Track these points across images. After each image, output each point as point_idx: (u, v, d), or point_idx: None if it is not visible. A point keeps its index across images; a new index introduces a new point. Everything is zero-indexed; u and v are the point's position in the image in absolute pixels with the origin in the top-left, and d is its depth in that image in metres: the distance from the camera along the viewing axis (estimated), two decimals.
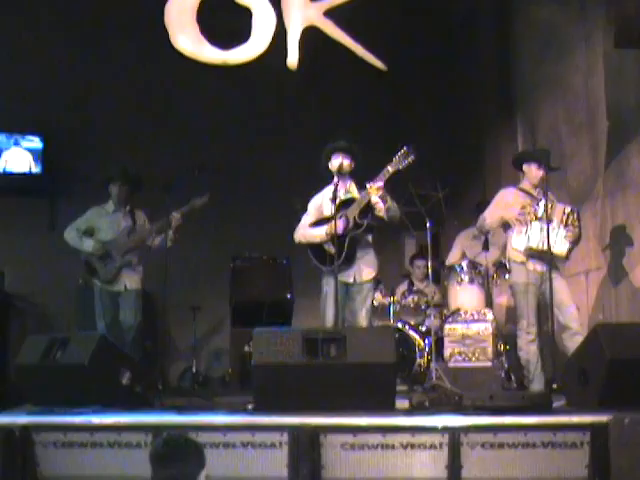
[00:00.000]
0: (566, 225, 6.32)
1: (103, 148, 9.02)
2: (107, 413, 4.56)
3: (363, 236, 6.29)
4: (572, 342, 6.02)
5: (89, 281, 7.24)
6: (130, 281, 7.09)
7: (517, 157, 6.83)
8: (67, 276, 8.14)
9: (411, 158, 6.13)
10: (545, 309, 6.38)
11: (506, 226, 6.61)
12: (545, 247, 6.18)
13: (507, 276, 7.19)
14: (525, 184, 6.54)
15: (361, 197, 6.23)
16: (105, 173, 7.34)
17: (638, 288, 6.99)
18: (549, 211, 6.26)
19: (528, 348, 6.35)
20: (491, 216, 6.66)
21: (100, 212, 7.24)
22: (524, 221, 6.35)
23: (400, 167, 6.14)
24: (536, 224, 6.26)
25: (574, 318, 6.27)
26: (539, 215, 6.27)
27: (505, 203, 6.57)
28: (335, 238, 6.07)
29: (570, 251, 6.39)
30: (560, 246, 6.30)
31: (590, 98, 7.83)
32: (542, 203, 6.28)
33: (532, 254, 6.30)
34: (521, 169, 6.62)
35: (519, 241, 6.39)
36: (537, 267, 6.32)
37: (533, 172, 6.50)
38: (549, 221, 6.22)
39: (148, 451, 4.22)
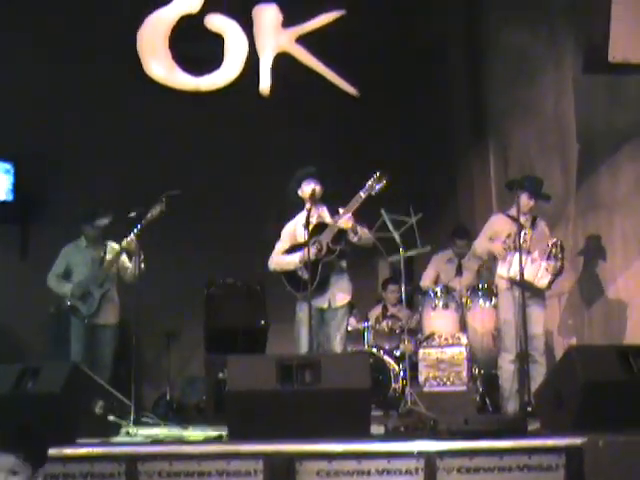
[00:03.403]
0: (548, 258, 6.45)
1: (75, 175, 8.97)
2: (80, 443, 4.51)
3: (337, 261, 6.29)
4: (533, 368, 6.33)
5: (63, 311, 7.21)
6: (108, 315, 7.10)
7: (509, 182, 6.86)
8: (38, 304, 8.06)
9: (383, 183, 6.15)
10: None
11: (492, 256, 6.82)
12: (526, 278, 6.31)
13: (480, 301, 7.23)
14: (514, 210, 6.58)
15: (334, 223, 6.23)
16: (80, 210, 7.33)
17: (611, 309, 7.04)
18: (530, 242, 6.40)
19: (507, 367, 6.54)
20: (480, 247, 6.88)
21: (73, 250, 7.28)
22: (509, 250, 6.51)
23: (372, 192, 6.17)
24: (517, 255, 6.36)
25: (537, 347, 6.50)
26: (519, 245, 6.37)
27: (493, 232, 6.76)
28: (309, 264, 6.07)
29: (551, 283, 6.54)
30: (542, 279, 6.47)
31: (561, 121, 7.92)
32: (522, 233, 6.43)
33: (515, 282, 6.44)
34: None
35: (504, 269, 6.58)
36: (519, 294, 6.42)
37: (524, 200, 6.59)
38: (528, 252, 6.39)
39: None
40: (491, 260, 7.25)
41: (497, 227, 6.77)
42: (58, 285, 7.18)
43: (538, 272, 6.44)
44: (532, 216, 6.71)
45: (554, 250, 6.46)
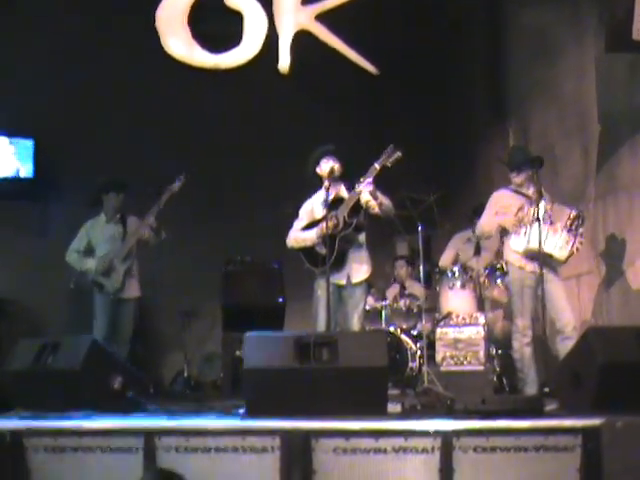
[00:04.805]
0: (569, 230, 6.25)
1: (94, 153, 8.98)
2: (98, 417, 4.55)
3: (354, 236, 6.29)
4: (563, 346, 6.05)
5: (83, 287, 7.25)
6: (132, 289, 7.16)
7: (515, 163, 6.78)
8: (58, 280, 8.10)
9: (398, 155, 6.13)
10: (539, 311, 6.35)
11: (503, 231, 6.60)
12: (546, 249, 6.16)
13: (499, 280, 7.21)
14: (518, 185, 6.52)
15: (350, 196, 6.23)
16: (96, 182, 7.37)
17: (630, 291, 7.00)
18: (551, 213, 6.23)
19: (523, 350, 6.35)
20: (488, 223, 6.63)
21: (94, 226, 7.30)
22: (522, 223, 6.30)
23: (387, 164, 6.15)
24: (536, 226, 6.16)
25: (568, 322, 6.25)
26: (540, 216, 6.19)
27: (501, 206, 6.52)
28: (327, 239, 6.07)
29: (570, 256, 6.34)
30: (561, 251, 6.25)
31: (581, 102, 7.86)
32: (542, 204, 6.25)
33: (531, 255, 6.25)
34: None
35: (518, 243, 6.36)
36: (535, 269, 6.26)
37: (513, 178, 6.53)
38: (551, 223, 6.20)
39: (140, 455, 4.25)
40: (497, 236, 7.18)
41: (504, 202, 6.52)
42: (80, 261, 7.21)
43: (558, 243, 6.22)
44: (538, 188, 6.40)
45: (576, 222, 6.26)
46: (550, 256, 6.24)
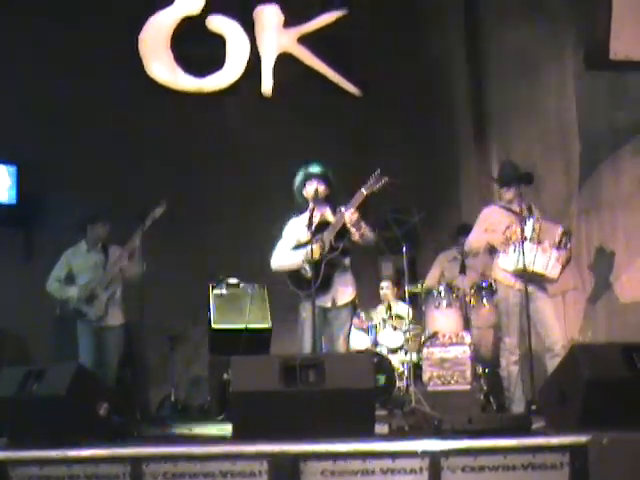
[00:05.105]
0: (559, 247, 6.23)
1: (78, 178, 8.97)
2: (84, 445, 4.51)
3: (340, 259, 6.29)
4: (552, 364, 6.01)
5: (67, 314, 7.20)
6: (115, 317, 7.11)
7: (500, 179, 6.79)
8: (43, 307, 8.06)
9: (385, 180, 6.13)
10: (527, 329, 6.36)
11: (492, 248, 6.58)
12: (537, 269, 6.16)
13: (484, 299, 7.22)
14: (508, 202, 6.49)
15: (336, 220, 6.23)
16: (84, 212, 7.35)
17: (615, 306, 7.03)
18: (539, 231, 6.21)
19: (510, 368, 6.34)
20: (477, 240, 6.60)
21: (75, 254, 7.26)
22: (510, 242, 6.27)
23: (374, 189, 6.15)
24: (527, 245, 6.14)
25: (557, 340, 6.24)
26: (528, 235, 6.19)
27: (490, 223, 6.49)
28: (312, 262, 6.07)
29: (561, 273, 6.32)
30: (553, 269, 6.22)
31: (562, 120, 7.93)
32: (530, 222, 6.24)
33: (521, 274, 6.17)
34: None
35: (506, 261, 6.33)
36: (523, 287, 6.22)
37: (502, 194, 6.51)
38: (539, 242, 6.19)
39: None
40: (483, 255, 7.19)
41: (493, 219, 6.48)
42: (61, 289, 7.16)
43: (549, 262, 6.19)
44: (527, 204, 6.43)
45: (564, 239, 6.22)
46: (542, 275, 6.22)
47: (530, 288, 6.16)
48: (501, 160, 7.05)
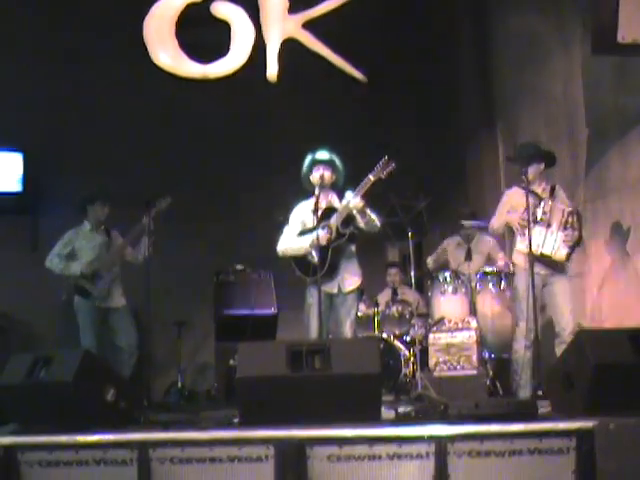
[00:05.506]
0: (565, 228, 6.23)
1: (84, 166, 8.98)
2: (92, 431, 4.53)
3: (346, 245, 6.30)
4: (559, 350, 6.03)
5: (78, 298, 7.21)
6: (117, 298, 7.15)
7: (510, 157, 6.75)
8: (50, 294, 8.08)
9: (392, 166, 6.13)
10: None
11: (510, 230, 6.58)
12: (545, 251, 6.16)
13: (490, 284, 7.22)
14: (527, 182, 6.40)
15: (343, 207, 6.23)
16: (83, 193, 7.36)
17: (619, 293, 7.02)
18: (548, 213, 6.22)
19: (523, 353, 6.34)
20: (497, 220, 6.66)
21: (78, 234, 7.28)
22: (525, 223, 6.23)
23: (381, 176, 6.14)
24: (536, 228, 6.18)
25: (565, 327, 6.24)
26: (538, 218, 6.21)
27: (511, 205, 6.48)
28: (318, 249, 6.07)
29: (570, 254, 6.31)
30: (559, 251, 6.24)
31: (569, 105, 7.89)
32: (542, 205, 6.24)
33: (535, 258, 6.20)
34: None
35: (522, 244, 6.34)
36: (540, 271, 6.27)
37: (531, 170, 6.40)
38: (548, 225, 6.20)
39: (134, 468, 4.24)
40: (484, 242, 7.21)
41: (514, 201, 6.47)
42: (64, 265, 7.14)
43: (554, 244, 6.21)
44: (550, 185, 6.44)
45: (570, 219, 6.22)
46: (549, 257, 6.23)
47: (546, 271, 6.21)
48: (521, 142, 6.95)
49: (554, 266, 6.30)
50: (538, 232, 6.18)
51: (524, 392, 6.30)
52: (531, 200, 6.31)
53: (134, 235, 7.11)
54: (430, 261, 8.16)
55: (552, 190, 6.47)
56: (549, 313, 6.27)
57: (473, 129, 9.95)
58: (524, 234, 6.26)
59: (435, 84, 9.59)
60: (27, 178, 9.20)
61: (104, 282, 7.07)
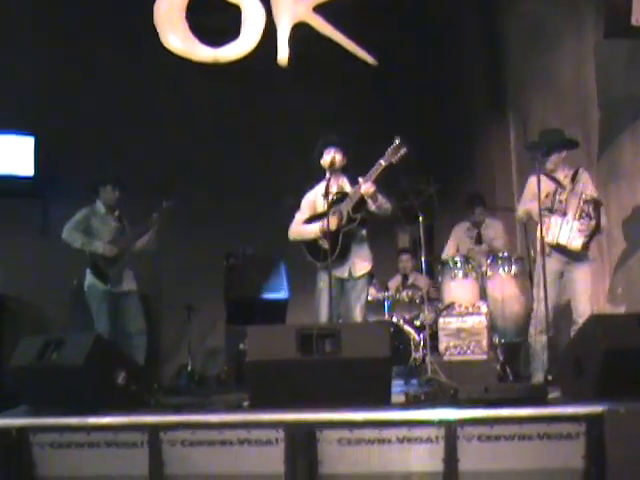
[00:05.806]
0: (581, 217, 6.18)
1: (95, 151, 8.98)
2: (103, 413, 4.56)
3: (357, 230, 6.29)
4: None
5: (90, 283, 7.23)
6: (130, 282, 7.17)
7: (530, 145, 6.72)
8: (60, 277, 8.12)
9: (404, 151, 6.09)
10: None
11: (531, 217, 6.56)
12: (560, 241, 6.16)
13: (500, 269, 7.20)
14: (549, 170, 6.40)
15: (354, 192, 6.22)
16: (95, 176, 7.38)
17: (632, 278, 7.00)
18: (564, 202, 6.19)
19: (539, 338, 6.32)
20: (521, 208, 6.64)
21: (94, 212, 7.27)
22: (547, 212, 6.22)
23: (393, 160, 6.11)
24: (553, 218, 6.19)
25: (582, 314, 6.16)
26: (554, 207, 6.19)
27: (533, 193, 6.38)
28: (329, 233, 6.07)
29: (586, 243, 6.23)
30: (575, 240, 6.19)
31: (581, 89, 7.85)
32: (558, 193, 6.22)
33: (555, 246, 6.22)
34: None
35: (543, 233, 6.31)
36: (561, 258, 6.27)
37: (552, 159, 6.38)
38: (564, 214, 6.18)
39: (145, 450, 4.26)
40: (493, 226, 7.20)
41: (537, 187, 6.27)
42: (86, 241, 7.12)
43: (569, 234, 6.16)
44: (573, 170, 6.39)
45: (586, 208, 6.16)
46: (565, 247, 6.22)
47: (566, 258, 6.21)
48: (542, 129, 6.92)
49: (574, 254, 6.27)
50: (554, 221, 6.16)
51: (540, 376, 6.28)
52: (553, 187, 6.29)
53: (140, 230, 7.17)
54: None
55: (574, 175, 6.40)
56: (568, 299, 6.25)
57: (483, 114, 9.91)
58: (545, 222, 6.24)
59: (445, 68, 9.54)
60: (39, 162, 9.20)
61: (119, 267, 7.10)
